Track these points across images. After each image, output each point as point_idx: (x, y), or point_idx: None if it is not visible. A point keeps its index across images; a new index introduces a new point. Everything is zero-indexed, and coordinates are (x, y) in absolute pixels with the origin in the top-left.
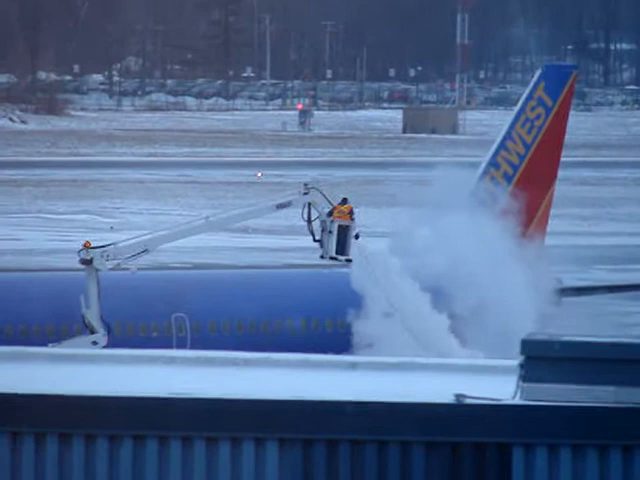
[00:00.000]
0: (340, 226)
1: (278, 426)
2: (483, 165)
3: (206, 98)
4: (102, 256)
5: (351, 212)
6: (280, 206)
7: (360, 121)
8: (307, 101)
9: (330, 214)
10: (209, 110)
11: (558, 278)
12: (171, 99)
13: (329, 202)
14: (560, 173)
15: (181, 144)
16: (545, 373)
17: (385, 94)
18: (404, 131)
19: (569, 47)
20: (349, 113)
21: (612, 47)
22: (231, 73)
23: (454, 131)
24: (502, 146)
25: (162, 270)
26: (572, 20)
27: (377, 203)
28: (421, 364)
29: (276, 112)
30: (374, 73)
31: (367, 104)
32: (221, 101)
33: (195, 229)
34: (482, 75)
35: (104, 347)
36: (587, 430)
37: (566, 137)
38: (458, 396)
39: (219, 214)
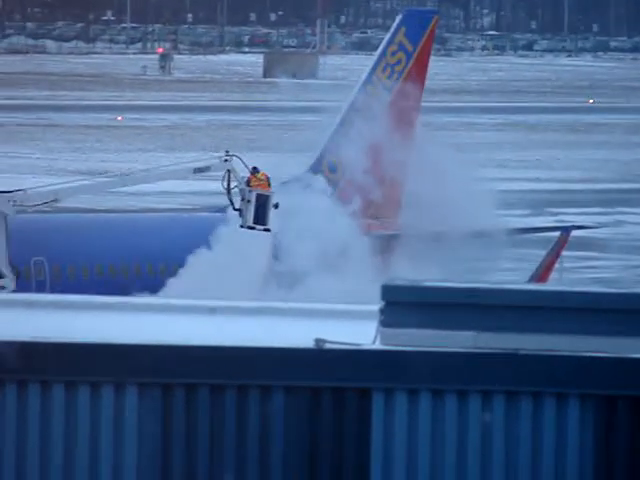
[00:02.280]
0: (259, 195)
1: (137, 370)
2: (343, 110)
3: (66, 41)
4: (9, 201)
5: (268, 179)
6: (198, 170)
7: (221, 65)
8: (168, 45)
9: (248, 183)
10: (69, 53)
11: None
12: (31, 42)
13: (249, 170)
14: (421, 118)
15: (41, 87)
16: (405, 318)
17: (246, 38)
18: (264, 75)
19: None
20: (210, 57)
21: None
22: (91, 16)
23: (314, 76)
24: (363, 91)
25: (22, 214)
26: None
27: (237, 147)
28: (281, 309)
29: (136, 56)
30: (235, 17)
31: (228, 48)
32: (81, 44)
33: (109, 184)
34: (343, 20)
35: (12, 292)
36: (446, 375)
37: (427, 82)
38: (318, 341)
39: (136, 172)
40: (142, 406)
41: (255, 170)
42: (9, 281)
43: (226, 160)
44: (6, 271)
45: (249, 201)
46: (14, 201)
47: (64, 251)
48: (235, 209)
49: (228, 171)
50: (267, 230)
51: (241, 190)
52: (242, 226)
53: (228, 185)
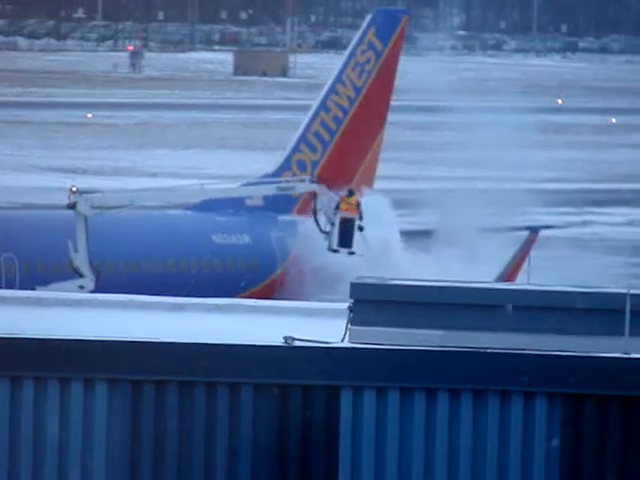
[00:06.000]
0: (344, 219)
1: (107, 367)
2: (313, 109)
3: (37, 38)
4: (87, 202)
5: (358, 204)
6: (281, 189)
7: (191, 63)
8: (138, 43)
9: (337, 207)
10: (40, 50)
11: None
12: (2, 39)
13: (342, 194)
14: (390, 117)
15: (12, 84)
16: (373, 316)
17: (216, 36)
18: (235, 73)
19: None
20: (180, 55)
21: None
22: (63, 14)
23: (285, 74)
24: (332, 90)
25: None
26: None
27: (207, 145)
28: (250, 306)
29: (107, 53)
30: (205, 15)
31: (198, 46)
32: (52, 42)
33: (187, 193)
34: (313, 18)
35: (92, 291)
36: (414, 373)
37: (396, 81)
38: (287, 338)
39: (215, 185)
40: (112, 403)
41: (350, 193)
42: (89, 281)
43: (312, 182)
44: (86, 271)
45: (333, 224)
46: (92, 202)
47: (34, 248)
48: (322, 232)
49: (315, 193)
50: (352, 253)
51: (326, 213)
52: (328, 249)
53: (314, 207)
